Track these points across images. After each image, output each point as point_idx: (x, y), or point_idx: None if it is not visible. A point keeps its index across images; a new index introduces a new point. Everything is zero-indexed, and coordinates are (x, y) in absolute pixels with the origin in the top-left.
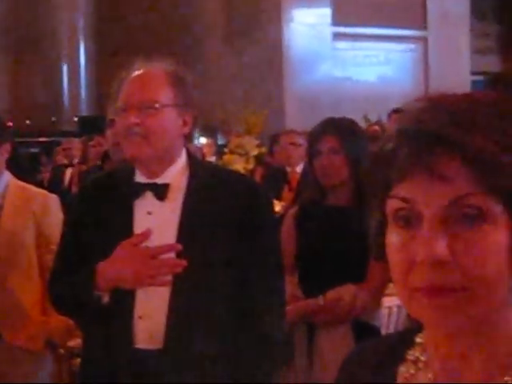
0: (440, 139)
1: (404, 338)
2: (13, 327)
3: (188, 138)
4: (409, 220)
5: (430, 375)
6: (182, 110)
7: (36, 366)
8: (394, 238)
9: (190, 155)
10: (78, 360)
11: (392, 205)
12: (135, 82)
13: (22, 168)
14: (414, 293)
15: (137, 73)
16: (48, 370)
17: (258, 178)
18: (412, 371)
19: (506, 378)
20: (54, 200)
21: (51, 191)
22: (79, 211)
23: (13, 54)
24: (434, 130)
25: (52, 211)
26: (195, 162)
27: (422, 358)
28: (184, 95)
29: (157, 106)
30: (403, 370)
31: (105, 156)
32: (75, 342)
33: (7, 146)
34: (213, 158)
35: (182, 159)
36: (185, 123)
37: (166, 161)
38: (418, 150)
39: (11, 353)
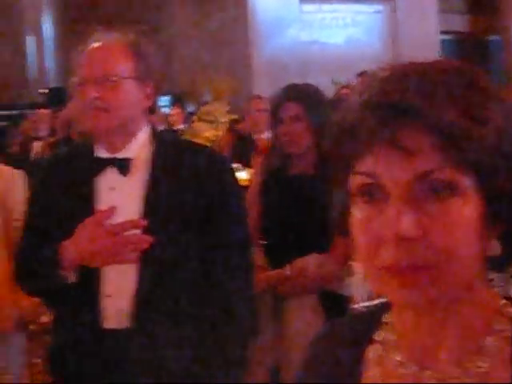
0: (404, 111)
1: (372, 318)
2: None
3: (150, 110)
4: (374, 195)
5: (398, 357)
6: (142, 82)
7: (8, 345)
8: (358, 214)
9: (153, 128)
10: None
11: (356, 180)
12: (93, 55)
13: None
14: (380, 271)
15: (95, 45)
16: (19, 348)
17: (226, 145)
18: (380, 352)
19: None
20: (19, 176)
21: (19, 164)
22: (40, 189)
23: None
24: (397, 101)
25: (17, 187)
26: (158, 136)
27: (391, 339)
28: (145, 67)
29: (116, 78)
30: (371, 352)
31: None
32: (47, 318)
33: None
34: (182, 126)
35: (145, 133)
36: (146, 96)
37: (128, 134)
38: (381, 123)
39: None
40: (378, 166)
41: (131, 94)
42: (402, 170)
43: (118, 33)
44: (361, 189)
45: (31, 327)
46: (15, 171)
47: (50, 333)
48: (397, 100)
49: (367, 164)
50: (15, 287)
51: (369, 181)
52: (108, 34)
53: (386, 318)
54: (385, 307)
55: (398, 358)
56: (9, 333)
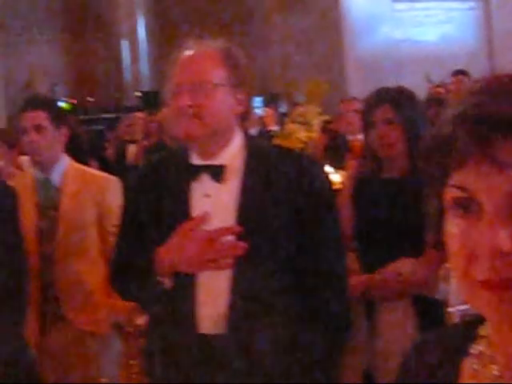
0: (499, 123)
1: (467, 331)
2: (78, 310)
3: (243, 117)
4: (468, 209)
5: (495, 370)
6: (235, 89)
7: (102, 347)
8: (452, 227)
9: (245, 134)
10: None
11: (450, 193)
12: (187, 63)
13: (83, 149)
14: (475, 286)
15: (188, 53)
16: (115, 350)
17: (319, 146)
18: (476, 366)
19: None
20: (113, 182)
21: (116, 168)
22: (136, 196)
23: (73, 32)
24: (494, 114)
25: (112, 193)
26: (252, 142)
27: (487, 352)
28: (237, 74)
29: (209, 86)
30: (467, 365)
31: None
32: (143, 320)
33: (65, 131)
34: (275, 127)
35: (238, 139)
36: (239, 102)
37: (221, 141)
38: (475, 136)
39: (77, 335)
40: (472, 179)
41: (224, 101)
42: (499, 183)
43: (211, 40)
44: (455, 202)
45: (127, 329)
46: (110, 177)
47: (145, 335)
48: (491, 113)
49: (461, 177)
50: (111, 291)
51: (463, 194)
52: (200, 41)
53: (481, 330)
54: (480, 319)
55: (495, 372)
56: (105, 335)
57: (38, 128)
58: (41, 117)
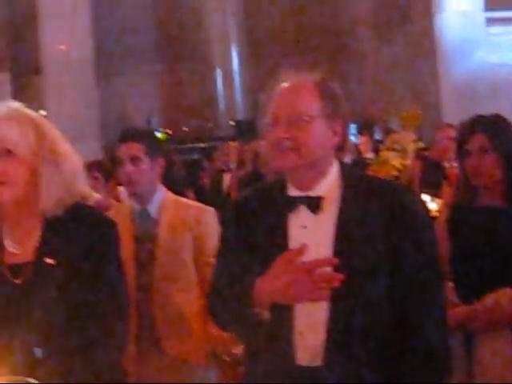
0: None
1: None
2: (175, 339)
3: (339, 148)
4: None
5: None
6: (331, 120)
7: (200, 377)
8: None
9: (342, 166)
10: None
11: None
12: (283, 95)
13: (179, 179)
14: None
15: (284, 85)
16: (213, 380)
17: (415, 173)
18: None
19: None
20: (209, 213)
21: (211, 197)
22: (234, 227)
23: (167, 61)
24: None
25: (208, 224)
26: (347, 172)
27: None
28: (333, 105)
29: (306, 118)
30: None
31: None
32: (239, 350)
33: (160, 162)
34: (370, 155)
35: (335, 170)
36: (335, 133)
37: (318, 173)
38: None
39: (173, 364)
40: None
41: (320, 132)
42: None
43: (306, 71)
44: None
45: (224, 358)
46: (206, 208)
47: (242, 364)
48: None
49: None
50: (208, 320)
51: None
52: (296, 73)
53: None
54: None
55: None
56: (202, 364)
57: (134, 160)
58: (136, 148)
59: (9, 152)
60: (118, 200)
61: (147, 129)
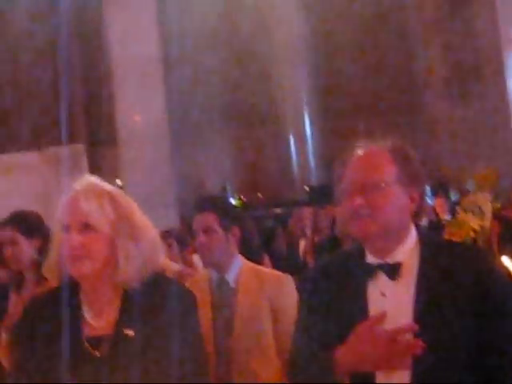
0: None
1: None
2: None
3: (416, 213)
4: None
5: None
6: (407, 186)
7: None
8: None
9: (419, 231)
10: None
11: None
12: (358, 162)
13: (254, 245)
14: None
15: (359, 152)
16: None
17: (494, 235)
18: None
19: None
20: (287, 280)
21: (288, 263)
22: (312, 295)
23: (240, 128)
24: None
25: (286, 292)
26: (425, 238)
27: None
28: (409, 172)
29: (382, 185)
30: None
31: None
32: None
33: (235, 231)
34: (447, 217)
35: (412, 236)
36: (412, 199)
37: (396, 239)
38: None
39: None
40: None
41: (397, 199)
42: None
43: (380, 138)
44: None
45: None
46: (284, 275)
47: None
48: None
49: None
50: None
51: None
52: (371, 140)
53: None
54: None
55: None
56: None
57: (208, 230)
58: (210, 219)
59: (87, 226)
60: (195, 268)
61: (221, 198)
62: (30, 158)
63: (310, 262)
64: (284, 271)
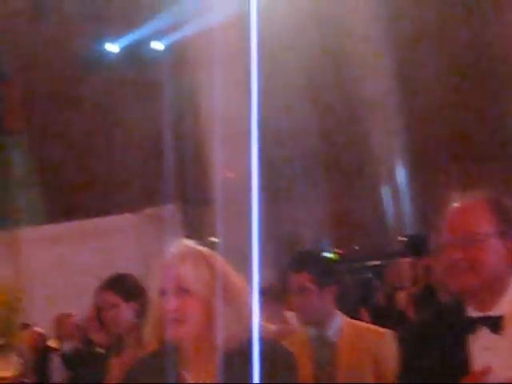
0: None
1: None
2: None
3: None
4: None
5: None
6: (506, 238)
7: None
8: None
9: None
10: None
11: None
12: (456, 215)
13: (352, 300)
14: None
15: (456, 204)
16: None
17: None
18: None
19: None
20: (388, 335)
21: (386, 316)
22: (414, 349)
23: (332, 180)
24: None
25: (387, 347)
26: None
27: None
28: (507, 223)
29: (480, 237)
30: None
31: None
32: None
33: (332, 289)
34: None
35: None
36: (510, 251)
37: (497, 292)
38: None
39: None
40: None
41: (496, 251)
42: None
43: (475, 191)
44: None
45: None
46: (384, 331)
47: None
48: None
49: None
50: None
51: None
52: (467, 192)
53: None
54: None
55: None
56: None
57: (303, 290)
58: (305, 279)
59: (184, 290)
60: (292, 324)
61: (316, 255)
62: (126, 220)
63: (410, 315)
64: (383, 325)
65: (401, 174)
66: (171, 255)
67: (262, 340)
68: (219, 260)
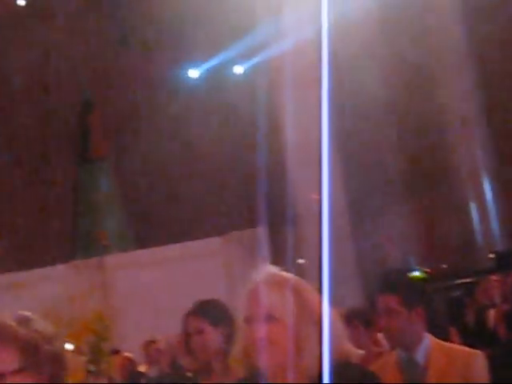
0: None
1: None
2: None
3: None
4: None
5: None
6: None
7: None
8: None
9: None
10: None
11: None
12: None
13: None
14: None
15: None
16: None
17: None
18: None
19: None
20: (478, 357)
21: (477, 335)
22: (504, 371)
23: (419, 198)
24: None
25: (478, 369)
26: None
27: None
28: None
29: None
30: None
31: None
32: None
33: (420, 311)
34: None
35: None
36: None
37: None
38: None
39: None
40: None
41: None
42: None
43: None
44: None
45: None
46: (475, 352)
47: None
48: None
49: None
50: None
51: None
52: None
53: None
54: None
55: None
56: None
57: (391, 312)
58: (393, 301)
59: (271, 317)
60: (381, 346)
61: (404, 277)
62: (213, 244)
63: (500, 332)
64: (473, 344)
65: (487, 189)
66: (257, 283)
67: (348, 365)
68: (306, 287)
